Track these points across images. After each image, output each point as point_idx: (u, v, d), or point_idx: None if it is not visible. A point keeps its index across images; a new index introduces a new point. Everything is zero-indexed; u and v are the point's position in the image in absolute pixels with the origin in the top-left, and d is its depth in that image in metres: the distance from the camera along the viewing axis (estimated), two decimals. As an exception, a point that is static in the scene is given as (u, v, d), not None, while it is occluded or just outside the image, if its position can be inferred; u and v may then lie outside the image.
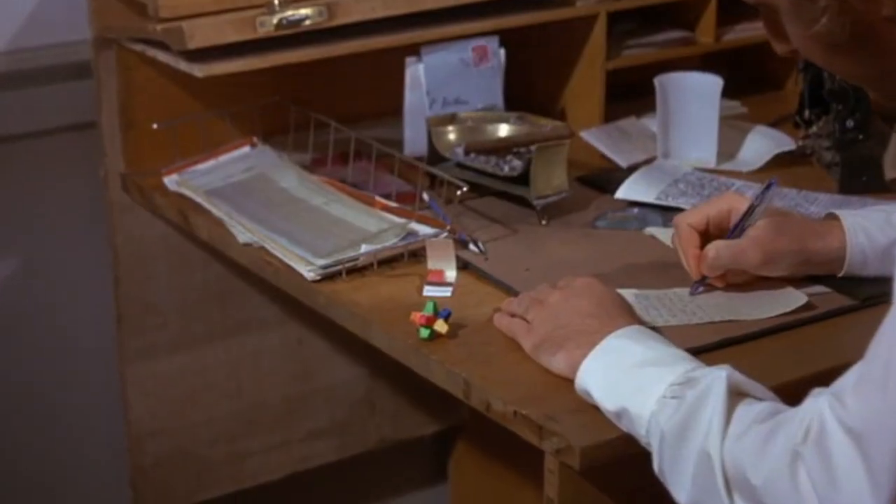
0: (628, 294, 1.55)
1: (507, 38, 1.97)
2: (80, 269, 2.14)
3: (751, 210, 1.54)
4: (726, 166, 1.96)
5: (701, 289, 1.57)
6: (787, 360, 1.46)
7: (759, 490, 1.18)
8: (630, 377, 1.32)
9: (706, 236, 1.57)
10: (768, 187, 1.55)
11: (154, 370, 2.06)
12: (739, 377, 1.27)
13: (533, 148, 1.78)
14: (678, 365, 1.31)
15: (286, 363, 2.18)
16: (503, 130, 1.90)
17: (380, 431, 2.30)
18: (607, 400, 1.33)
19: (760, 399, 1.26)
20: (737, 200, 1.57)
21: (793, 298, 1.55)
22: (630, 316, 1.44)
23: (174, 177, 1.90)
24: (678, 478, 1.26)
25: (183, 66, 1.80)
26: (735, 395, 1.25)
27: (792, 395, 1.26)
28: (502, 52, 1.97)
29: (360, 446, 2.29)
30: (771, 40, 1.27)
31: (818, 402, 1.16)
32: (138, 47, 1.87)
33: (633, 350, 1.35)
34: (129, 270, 2.00)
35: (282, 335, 2.16)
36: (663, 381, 1.29)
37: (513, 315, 1.49)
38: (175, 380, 2.08)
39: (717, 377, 1.26)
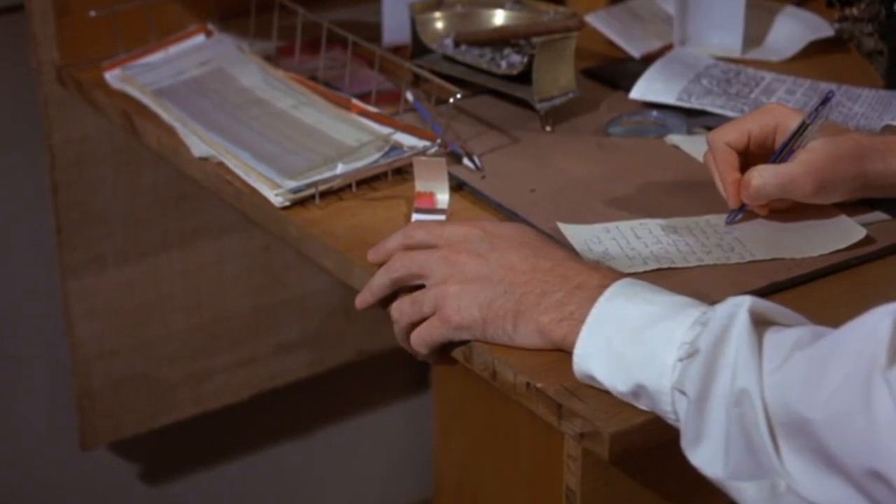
0: (653, 226, 1.33)
1: None
2: (12, 175, 1.87)
3: (802, 128, 1.29)
4: (753, 55, 1.71)
5: (739, 216, 1.33)
6: (846, 307, 1.22)
7: (817, 425, 0.96)
8: (635, 346, 1.08)
9: (746, 156, 1.33)
10: (825, 101, 1.29)
11: (101, 284, 1.83)
12: (762, 303, 1.04)
13: (535, 41, 1.52)
14: (684, 314, 1.07)
15: (251, 271, 1.95)
16: (499, 18, 1.64)
17: (357, 342, 2.09)
18: (618, 381, 1.09)
19: (790, 326, 1.04)
20: (784, 115, 1.32)
21: (849, 231, 1.31)
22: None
23: (117, 72, 1.63)
24: (708, 446, 1.03)
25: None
26: (760, 326, 1.03)
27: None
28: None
29: (336, 359, 2.09)
30: None
31: (885, 319, 0.95)
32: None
33: (630, 312, 1.10)
34: (69, 174, 1.76)
35: (246, 240, 1.93)
36: (674, 339, 1.06)
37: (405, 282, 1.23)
38: (125, 294, 1.86)
39: (735, 306, 1.03)
